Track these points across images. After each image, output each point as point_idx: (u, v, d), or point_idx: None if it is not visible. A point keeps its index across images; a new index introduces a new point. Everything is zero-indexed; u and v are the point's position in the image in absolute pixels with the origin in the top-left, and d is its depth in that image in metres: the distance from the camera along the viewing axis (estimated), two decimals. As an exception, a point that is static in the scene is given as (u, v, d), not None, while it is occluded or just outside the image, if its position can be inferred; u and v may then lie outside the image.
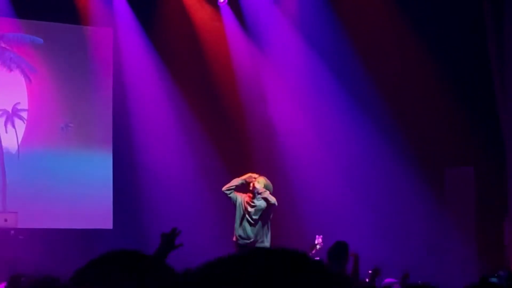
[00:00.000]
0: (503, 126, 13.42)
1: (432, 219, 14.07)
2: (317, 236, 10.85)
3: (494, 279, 8.02)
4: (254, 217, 11.37)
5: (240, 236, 11.41)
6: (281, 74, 14.97)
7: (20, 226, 13.67)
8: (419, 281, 8.13)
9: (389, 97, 14.21)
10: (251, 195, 11.42)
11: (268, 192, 11.34)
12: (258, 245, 11.27)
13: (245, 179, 11.44)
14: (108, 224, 14.61)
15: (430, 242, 13.92)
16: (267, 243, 11.35)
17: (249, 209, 11.39)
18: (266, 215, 11.37)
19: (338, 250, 9.20)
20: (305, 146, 14.61)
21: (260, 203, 11.35)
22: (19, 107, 14.48)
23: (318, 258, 9.92)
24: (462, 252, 13.29)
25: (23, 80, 14.52)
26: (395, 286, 8.20)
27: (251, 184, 11.39)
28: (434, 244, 13.90)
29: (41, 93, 14.61)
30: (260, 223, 11.36)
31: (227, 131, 15.10)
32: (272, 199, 11.31)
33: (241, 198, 11.45)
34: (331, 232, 12.23)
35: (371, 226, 13.99)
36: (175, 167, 14.94)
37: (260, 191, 11.32)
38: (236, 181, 11.49)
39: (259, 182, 11.38)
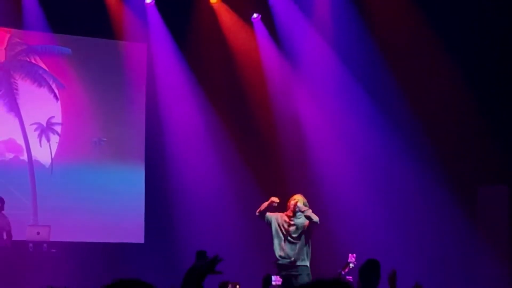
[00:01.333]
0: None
1: (465, 238, 13.94)
2: (350, 254, 10.75)
3: None
4: (294, 235, 11.29)
5: (280, 256, 11.31)
6: (313, 91, 14.94)
7: (52, 239, 13.73)
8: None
9: (423, 115, 14.12)
10: (290, 214, 11.34)
11: (310, 210, 11.29)
12: (298, 263, 11.21)
13: (274, 201, 11.37)
14: (140, 239, 14.64)
15: (462, 262, 13.79)
16: (307, 262, 11.27)
17: (289, 228, 11.32)
18: (307, 233, 11.29)
19: (370, 269, 9.11)
20: (338, 165, 14.55)
21: (301, 221, 11.27)
22: (53, 120, 14.58)
23: (351, 277, 9.86)
24: (495, 272, 13.14)
25: (56, 95, 14.62)
26: None
27: (292, 203, 11.32)
28: (465, 264, 13.76)
29: (74, 108, 14.69)
30: (301, 241, 11.28)
31: (259, 148, 15.08)
32: (315, 218, 11.22)
33: (275, 218, 11.38)
34: (363, 251, 12.16)
35: (403, 245, 13.89)
36: (207, 183, 14.94)
37: (302, 209, 11.24)
38: (266, 204, 11.43)
39: (299, 200, 11.33)
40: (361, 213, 14.18)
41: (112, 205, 14.54)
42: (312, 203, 11.84)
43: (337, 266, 10.89)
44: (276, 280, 9.54)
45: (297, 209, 11.23)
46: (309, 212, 11.21)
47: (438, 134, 14.11)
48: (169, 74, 15.21)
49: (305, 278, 11.23)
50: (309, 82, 14.99)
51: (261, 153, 15.07)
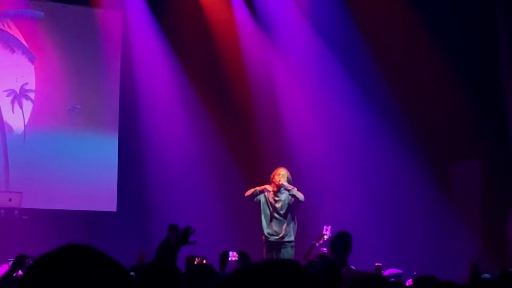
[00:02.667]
0: (510, 120, 13.36)
1: (438, 213, 14.03)
2: (325, 226, 10.82)
3: (487, 275, 7.97)
4: (281, 211, 11.43)
5: (268, 233, 11.43)
6: (290, 64, 14.90)
7: (24, 206, 13.67)
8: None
9: (396, 90, 14.16)
10: (274, 189, 11.45)
11: (295, 188, 11.40)
12: (286, 239, 11.34)
13: (267, 190, 11.48)
14: (112, 207, 14.61)
15: (435, 236, 13.89)
16: (293, 237, 11.42)
17: (276, 205, 11.42)
18: (292, 209, 11.43)
19: (340, 241, 9.15)
20: (312, 137, 14.56)
21: (285, 196, 11.39)
22: (27, 87, 14.46)
23: (325, 249, 9.89)
24: (467, 246, 13.24)
25: (30, 61, 14.49)
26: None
27: (277, 180, 11.40)
28: (439, 239, 13.86)
29: (48, 75, 14.58)
30: (288, 218, 11.42)
31: (235, 119, 15.05)
32: (301, 196, 11.38)
33: (264, 196, 11.50)
34: (338, 224, 12.21)
35: (378, 220, 13.96)
36: (181, 152, 14.91)
37: (288, 188, 11.38)
38: (259, 190, 11.52)
39: (283, 176, 11.40)
40: (336, 187, 14.22)
41: (85, 173, 14.48)
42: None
43: (312, 238, 10.95)
44: (232, 256, 9.57)
45: (283, 187, 11.35)
46: (295, 191, 11.37)
47: (413, 111, 14.14)
48: (144, 43, 15.12)
49: (289, 250, 11.34)
50: (285, 53, 14.94)
51: (237, 124, 15.05)
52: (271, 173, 11.74)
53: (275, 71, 14.97)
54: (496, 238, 13.11)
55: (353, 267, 9.26)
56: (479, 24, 13.72)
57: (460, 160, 14.10)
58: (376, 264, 9.32)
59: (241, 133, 15.02)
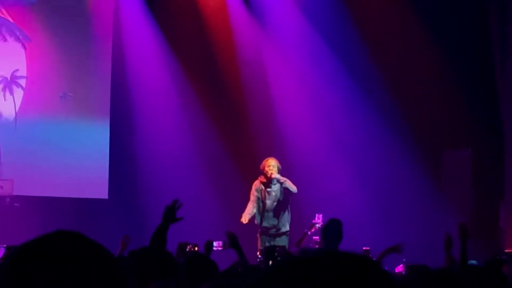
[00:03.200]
0: (501, 109, 13.39)
1: (429, 200, 14.07)
2: (317, 214, 10.85)
3: (473, 262, 8.00)
4: (274, 203, 11.45)
5: (266, 227, 11.45)
6: (283, 53, 14.89)
7: (15, 193, 13.67)
8: (414, 263, 8.12)
9: (388, 79, 14.17)
10: (264, 180, 11.46)
11: (288, 181, 11.42)
12: (282, 230, 11.38)
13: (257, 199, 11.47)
14: (104, 194, 14.61)
15: (425, 223, 13.93)
16: (288, 226, 11.46)
17: (268, 197, 11.44)
18: (285, 200, 11.47)
19: (331, 228, 9.22)
20: (304, 126, 14.57)
21: (278, 188, 11.42)
22: (18, 74, 14.42)
23: (317, 237, 9.92)
24: (457, 234, 13.27)
25: (22, 48, 14.46)
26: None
27: (268, 172, 11.40)
28: (429, 226, 13.90)
29: (40, 61, 14.54)
30: (282, 209, 11.46)
31: (227, 107, 15.05)
32: (293, 189, 11.41)
33: (257, 189, 11.49)
34: (330, 212, 12.24)
35: (369, 207, 14.00)
36: (172, 139, 14.91)
37: (281, 181, 11.41)
38: (251, 207, 11.48)
39: (273, 167, 11.40)
40: (327, 175, 14.24)
41: (76, 160, 14.47)
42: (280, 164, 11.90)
43: (305, 226, 10.98)
44: (217, 246, 9.62)
45: (275, 180, 11.37)
46: (288, 183, 11.41)
47: (405, 98, 14.16)
48: (136, 30, 15.09)
49: (284, 239, 11.38)
50: (278, 42, 14.93)
51: (229, 112, 15.05)
52: (261, 162, 11.74)
53: (268, 60, 14.96)
54: (486, 225, 13.16)
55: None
56: (470, 14, 13.74)
57: (451, 148, 14.13)
58: (364, 248, 9.38)
59: (233, 121, 15.03)
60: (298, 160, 14.16)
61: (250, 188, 11.78)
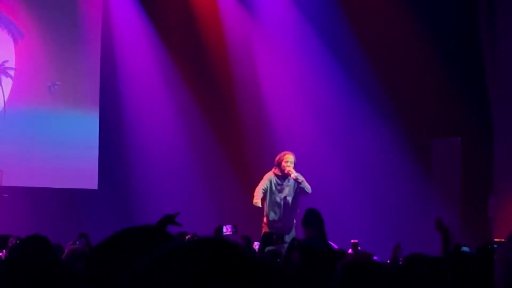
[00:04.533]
0: (491, 97, 13.41)
1: (418, 189, 14.08)
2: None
3: (466, 248, 8.01)
4: (288, 198, 11.37)
5: (274, 220, 11.32)
6: (274, 47, 14.87)
7: (4, 184, 13.64)
8: (404, 252, 8.14)
9: (378, 66, 14.17)
10: (278, 173, 11.33)
11: (305, 181, 11.34)
12: (290, 225, 11.31)
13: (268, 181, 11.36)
14: (93, 185, 14.59)
15: (414, 212, 13.95)
16: (294, 221, 11.37)
17: (281, 193, 11.36)
18: (297, 198, 11.37)
19: (312, 217, 9.31)
20: (293, 116, 14.57)
21: (292, 184, 11.34)
22: (6, 65, 14.38)
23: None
24: (447, 221, 13.31)
25: (11, 39, 14.41)
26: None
27: (286, 168, 11.26)
28: (418, 215, 13.93)
29: (28, 51, 14.49)
30: (293, 205, 11.38)
31: (218, 98, 15.03)
32: (308, 189, 11.33)
33: (270, 182, 11.39)
34: (318, 203, 12.25)
35: (356, 196, 14.01)
36: (162, 129, 14.90)
37: (300, 180, 11.31)
38: (259, 189, 11.41)
39: (291, 163, 11.29)
40: (316, 164, 14.23)
41: (66, 150, 14.44)
42: (265, 154, 11.88)
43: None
44: (227, 230, 9.55)
45: (295, 179, 11.27)
46: (304, 183, 11.32)
47: (393, 87, 14.16)
48: (125, 19, 15.06)
49: (292, 233, 11.32)
50: (270, 36, 14.91)
51: (220, 102, 15.03)
52: (253, 152, 11.66)
53: (259, 55, 14.93)
54: (476, 215, 13.19)
55: (334, 245, 9.32)
56: (459, 2, 13.75)
57: (440, 136, 14.15)
58: (352, 241, 9.37)
59: (224, 112, 15.01)
60: (288, 148, 14.16)
61: (252, 178, 11.63)
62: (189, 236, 9.24)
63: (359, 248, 8.98)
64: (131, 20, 15.05)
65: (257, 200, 11.33)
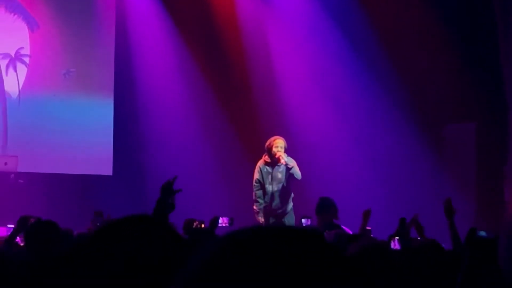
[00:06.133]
0: (506, 81, 13.33)
1: (432, 174, 14.05)
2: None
3: (483, 233, 7.98)
4: (280, 185, 11.16)
5: (271, 206, 11.13)
6: (288, 32, 14.83)
7: (20, 170, 13.69)
8: (418, 238, 8.12)
9: (392, 51, 14.11)
10: (268, 160, 11.10)
11: (296, 166, 11.12)
12: (287, 210, 11.16)
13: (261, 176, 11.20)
14: (108, 171, 14.63)
15: (429, 198, 13.92)
16: (291, 204, 11.22)
17: (273, 181, 11.16)
18: (289, 184, 11.17)
19: (326, 204, 9.35)
20: (307, 102, 14.55)
21: (283, 169, 11.13)
22: (22, 52, 14.42)
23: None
24: (461, 208, 13.28)
25: (26, 27, 14.44)
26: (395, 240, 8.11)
27: (276, 153, 10.99)
28: (432, 200, 13.90)
29: (43, 39, 14.53)
30: (287, 191, 11.18)
31: (231, 83, 15.02)
32: (298, 175, 11.06)
33: (262, 171, 11.20)
34: (334, 189, 12.23)
35: (369, 181, 13.99)
36: (176, 115, 14.91)
37: (290, 166, 11.07)
38: (255, 191, 11.24)
39: (281, 148, 11.07)
40: (329, 151, 14.22)
41: (80, 136, 14.49)
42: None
43: (310, 208, 10.94)
44: (223, 222, 9.55)
45: (286, 165, 11.05)
46: (295, 169, 11.07)
47: (407, 71, 14.11)
48: (139, 5, 15.05)
49: (291, 215, 11.22)
50: (284, 25, 14.87)
51: (234, 88, 15.02)
52: (266, 141, 11.47)
53: (273, 39, 14.91)
54: (491, 200, 13.14)
55: (347, 229, 9.32)
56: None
57: (455, 121, 14.09)
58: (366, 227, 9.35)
59: (238, 97, 15.00)
60: (302, 136, 14.15)
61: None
62: (196, 223, 9.19)
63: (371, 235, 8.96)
64: (145, 7, 15.05)
65: (257, 203, 11.19)
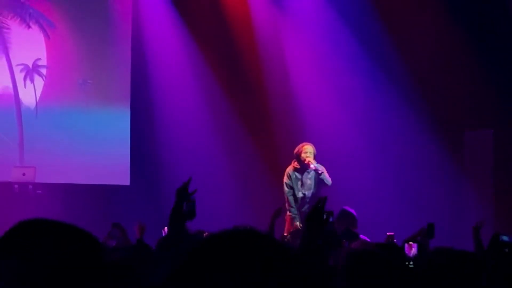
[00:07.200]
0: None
1: (451, 181, 14.01)
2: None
3: (505, 237, 7.93)
4: (310, 191, 11.13)
5: (296, 215, 11.08)
6: (302, 37, 14.83)
7: (38, 181, 13.73)
8: (437, 244, 8.06)
9: (408, 58, 14.08)
10: (297, 166, 11.07)
11: (326, 172, 11.10)
12: None
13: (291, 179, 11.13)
14: (125, 181, 14.64)
15: (448, 204, 13.87)
16: None
17: (303, 187, 11.12)
18: (319, 190, 11.14)
19: (344, 214, 9.36)
20: (324, 110, 14.52)
21: (313, 175, 11.10)
22: (39, 63, 14.48)
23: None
24: (479, 214, 13.23)
25: (42, 36, 14.49)
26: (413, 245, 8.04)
27: (306, 159, 11.01)
28: (451, 207, 13.85)
29: (59, 49, 14.58)
30: (315, 196, 11.11)
31: (248, 93, 15.00)
32: (328, 181, 11.04)
33: (291, 179, 11.14)
34: (351, 197, 12.20)
35: (389, 188, 13.95)
36: (193, 125, 14.91)
37: (320, 171, 11.04)
38: (292, 200, 11.21)
39: (310, 153, 11.05)
40: (347, 158, 14.18)
41: (98, 147, 14.52)
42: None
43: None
44: None
45: (317, 170, 11.03)
46: (325, 174, 11.06)
47: (426, 78, 14.08)
48: (155, 15, 15.08)
49: None
50: (298, 26, 14.87)
51: (250, 98, 14.99)
52: (284, 147, 11.48)
53: (286, 42, 14.90)
54: (508, 206, 13.08)
55: (365, 238, 9.29)
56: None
57: (472, 128, 14.04)
58: (387, 233, 9.31)
59: (254, 107, 14.97)
60: (318, 143, 14.12)
61: (282, 176, 11.43)
62: (206, 234, 9.13)
63: (394, 240, 8.91)
64: (162, 17, 15.08)
65: (291, 208, 11.10)
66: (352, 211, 9.88)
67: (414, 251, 7.79)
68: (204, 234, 9.03)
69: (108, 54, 14.92)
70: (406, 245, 7.78)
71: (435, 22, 13.77)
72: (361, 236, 9.41)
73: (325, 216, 4.26)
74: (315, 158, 11.18)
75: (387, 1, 14.11)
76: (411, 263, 6.25)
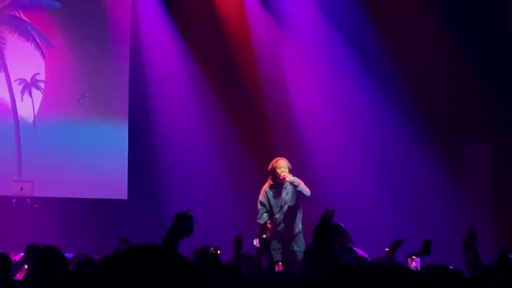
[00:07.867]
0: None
1: (449, 196, 13.99)
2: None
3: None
4: (287, 207, 11.03)
5: (279, 231, 11.00)
6: (300, 50, 14.83)
7: (36, 195, 13.72)
8: (436, 259, 8.05)
9: (407, 73, 14.08)
10: (272, 183, 11.00)
11: (302, 183, 11.04)
12: (296, 231, 10.99)
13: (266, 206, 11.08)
14: (123, 195, 14.62)
15: (446, 220, 13.85)
16: (300, 225, 11.05)
17: (280, 203, 11.04)
18: (298, 203, 11.04)
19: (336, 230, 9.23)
20: (321, 122, 14.51)
21: (290, 189, 11.01)
22: (38, 77, 14.49)
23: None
24: (478, 229, 13.19)
25: (41, 51, 14.51)
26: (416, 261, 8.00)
27: (280, 174, 10.89)
28: (449, 222, 13.82)
29: (58, 64, 14.59)
30: (294, 212, 11.05)
31: (244, 105, 15.00)
32: (307, 192, 10.93)
33: (268, 197, 11.07)
34: (349, 210, 12.17)
35: (386, 203, 13.92)
36: (191, 139, 14.90)
37: (295, 183, 10.97)
38: (260, 213, 11.13)
39: (285, 168, 10.98)
40: (344, 172, 14.17)
41: (95, 161, 14.51)
42: (295, 164, 11.72)
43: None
44: (256, 243, 9.39)
45: (292, 183, 10.93)
46: (302, 186, 10.96)
47: (424, 93, 14.08)
48: (153, 30, 15.09)
49: (300, 238, 11.06)
50: (295, 40, 14.88)
51: (248, 111, 14.99)
52: (281, 155, 11.32)
53: (285, 57, 14.91)
54: (507, 222, 13.06)
55: (363, 253, 9.25)
56: (491, 6, 13.64)
57: (471, 143, 14.03)
58: (386, 249, 9.27)
59: (251, 120, 14.97)
60: (316, 156, 14.12)
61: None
62: (212, 248, 9.05)
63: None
64: (160, 31, 15.08)
65: (263, 221, 11.00)
66: (342, 225, 9.73)
67: (415, 265, 7.77)
68: (211, 249, 8.97)
69: (106, 68, 14.93)
70: (408, 259, 7.76)
71: (435, 37, 13.77)
72: (359, 251, 9.38)
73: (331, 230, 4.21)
74: (290, 171, 11.07)
75: (386, 15, 14.09)
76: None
